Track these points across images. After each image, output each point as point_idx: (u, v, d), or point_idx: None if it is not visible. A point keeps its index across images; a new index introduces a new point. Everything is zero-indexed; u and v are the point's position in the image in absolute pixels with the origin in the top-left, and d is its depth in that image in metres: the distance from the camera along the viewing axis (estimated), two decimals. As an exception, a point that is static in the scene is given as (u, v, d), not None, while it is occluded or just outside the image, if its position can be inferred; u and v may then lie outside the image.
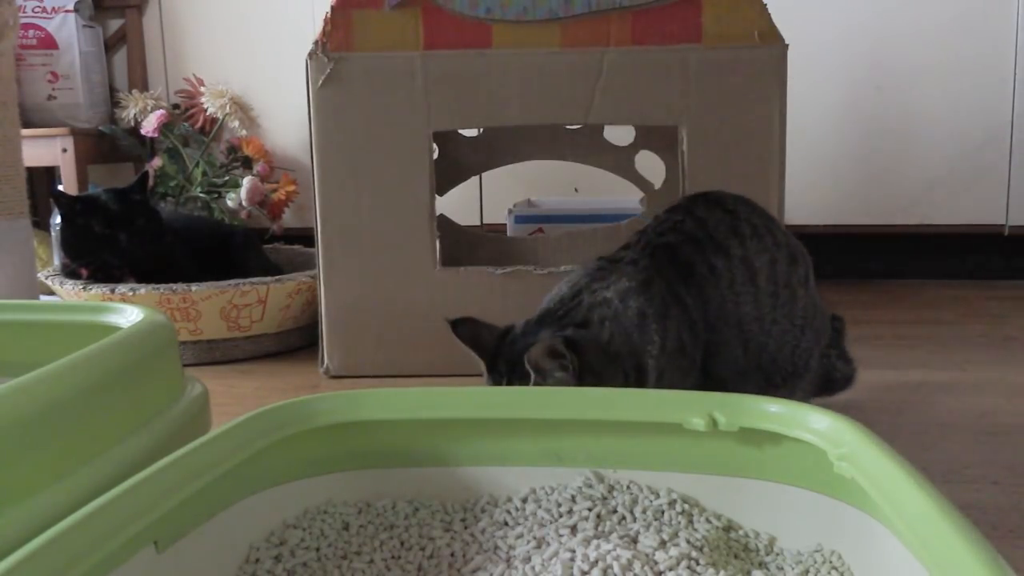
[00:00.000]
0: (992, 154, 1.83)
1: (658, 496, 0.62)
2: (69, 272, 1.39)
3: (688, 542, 0.56)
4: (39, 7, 2.11)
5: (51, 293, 1.44)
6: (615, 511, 0.60)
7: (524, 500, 0.63)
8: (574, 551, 0.55)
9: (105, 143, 2.13)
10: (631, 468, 0.63)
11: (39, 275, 1.42)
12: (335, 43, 1.18)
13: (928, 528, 0.42)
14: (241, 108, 2.09)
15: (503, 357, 0.77)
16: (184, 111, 2.17)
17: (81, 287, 1.33)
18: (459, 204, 1.74)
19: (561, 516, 0.60)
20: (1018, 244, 1.90)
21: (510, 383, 0.75)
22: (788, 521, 0.59)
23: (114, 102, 2.22)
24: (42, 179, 2.26)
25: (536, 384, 0.72)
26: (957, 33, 1.81)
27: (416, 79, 1.18)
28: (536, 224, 1.59)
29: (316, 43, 1.18)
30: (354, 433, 0.63)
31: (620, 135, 1.46)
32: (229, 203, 2.01)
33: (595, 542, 0.55)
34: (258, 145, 2.08)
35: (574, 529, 0.59)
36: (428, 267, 1.22)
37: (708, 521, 0.60)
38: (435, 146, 1.23)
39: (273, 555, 0.57)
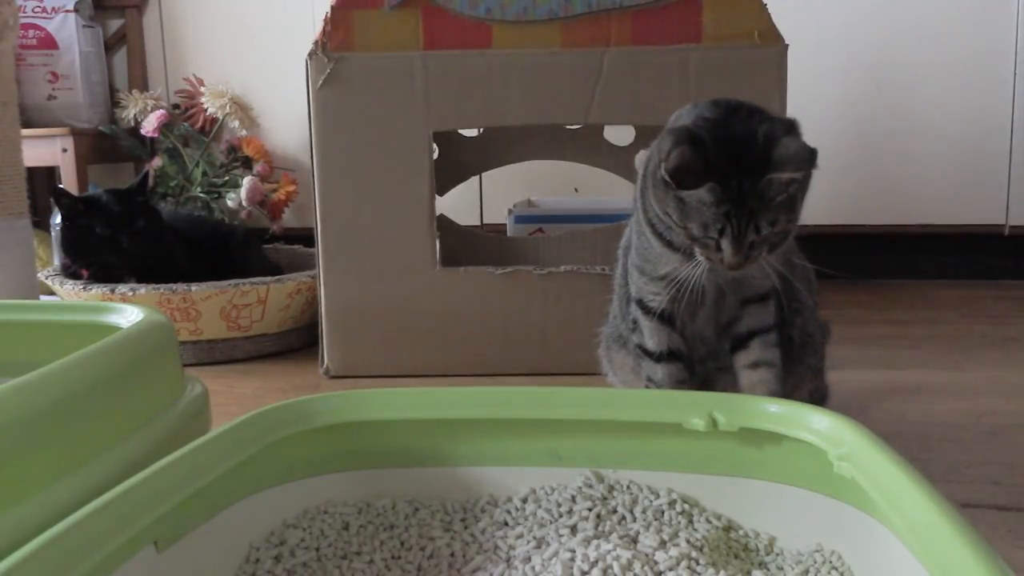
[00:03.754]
0: (992, 154, 1.83)
1: (658, 496, 0.62)
2: (70, 272, 1.39)
3: (688, 542, 0.56)
4: (39, 7, 2.11)
5: (51, 293, 1.44)
6: (615, 511, 0.60)
7: (524, 500, 0.63)
8: (574, 551, 0.55)
9: (105, 143, 2.13)
10: (631, 468, 0.63)
11: (39, 275, 1.42)
12: (335, 43, 1.18)
13: (928, 528, 0.42)
14: (241, 108, 2.09)
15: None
16: (184, 111, 2.17)
17: (81, 287, 1.33)
18: (459, 204, 1.75)
19: (561, 516, 0.60)
20: (1018, 244, 1.90)
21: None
22: (788, 521, 0.59)
23: (114, 102, 2.22)
24: (42, 179, 2.26)
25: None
26: (957, 33, 1.81)
27: (416, 79, 1.18)
28: (536, 224, 1.59)
29: (316, 43, 1.18)
30: (354, 433, 0.63)
31: (620, 135, 1.46)
32: (229, 203, 2.01)
33: (595, 542, 0.55)
34: (258, 145, 2.08)
35: (574, 529, 0.59)
36: (428, 267, 1.22)
37: (708, 521, 0.60)
38: (435, 146, 1.23)
39: (273, 555, 0.57)
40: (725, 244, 0.68)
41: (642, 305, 0.80)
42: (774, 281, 0.76)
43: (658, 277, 0.76)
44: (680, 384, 0.80)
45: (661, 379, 0.80)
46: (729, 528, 0.60)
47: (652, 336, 0.80)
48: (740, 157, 0.67)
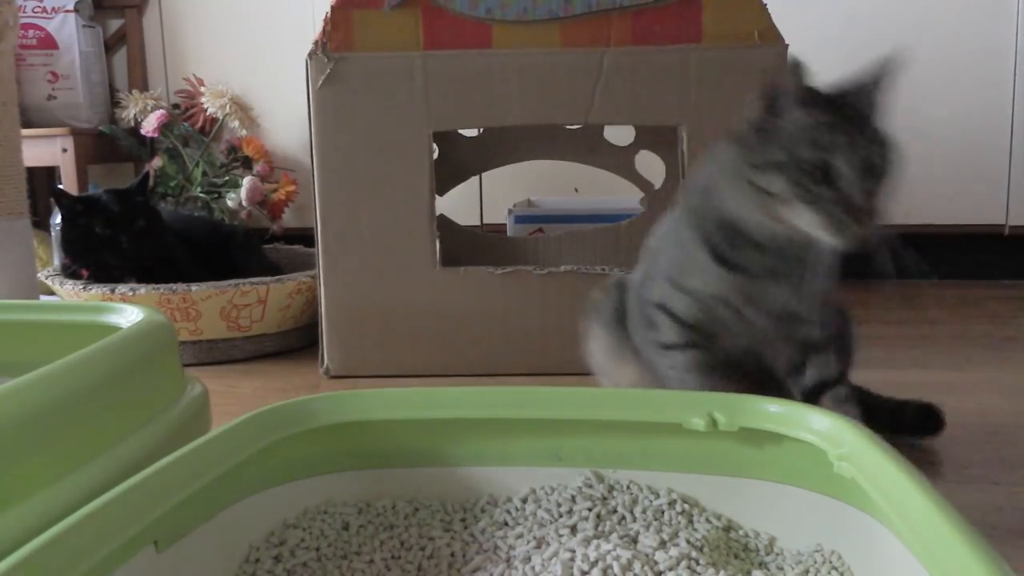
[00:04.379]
0: (992, 154, 1.83)
1: (658, 496, 0.62)
2: (69, 272, 1.39)
3: (688, 542, 0.56)
4: (39, 7, 2.11)
5: (51, 293, 1.44)
6: (615, 511, 0.60)
7: (524, 500, 0.63)
8: (574, 551, 0.55)
9: (105, 143, 2.13)
10: (631, 468, 0.63)
11: (39, 275, 1.42)
12: (335, 43, 1.18)
13: (928, 528, 0.42)
14: (241, 108, 2.09)
15: None
16: (184, 111, 2.17)
17: (81, 287, 1.33)
18: (459, 204, 1.75)
19: (561, 516, 0.60)
20: (1018, 244, 1.90)
21: None
22: (788, 521, 0.59)
23: (114, 102, 2.22)
24: (42, 179, 2.26)
25: None
26: (957, 33, 1.81)
27: (416, 79, 1.18)
28: (536, 224, 1.59)
29: (316, 43, 1.18)
30: (354, 433, 0.63)
31: (620, 135, 1.46)
32: (229, 203, 2.01)
33: (595, 542, 0.55)
34: (258, 145, 2.08)
35: (574, 529, 0.59)
36: (428, 267, 1.22)
37: (708, 521, 0.60)
38: (435, 146, 1.23)
39: (273, 555, 0.57)
40: (846, 172, 0.60)
41: (666, 310, 0.74)
42: (827, 325, 0.69)
43: (706, 295, 0.70)
44: (709, 370, 0.73)
45: (684, 366, 0.74)
46: (729, 528, 0.60)
47: (672, 329, 0.74)
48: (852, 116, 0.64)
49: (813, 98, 0.63)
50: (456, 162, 1.46)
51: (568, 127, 1.44)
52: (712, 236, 0.69)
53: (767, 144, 0.63)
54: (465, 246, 1.42)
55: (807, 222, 0.63)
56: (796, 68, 0.63)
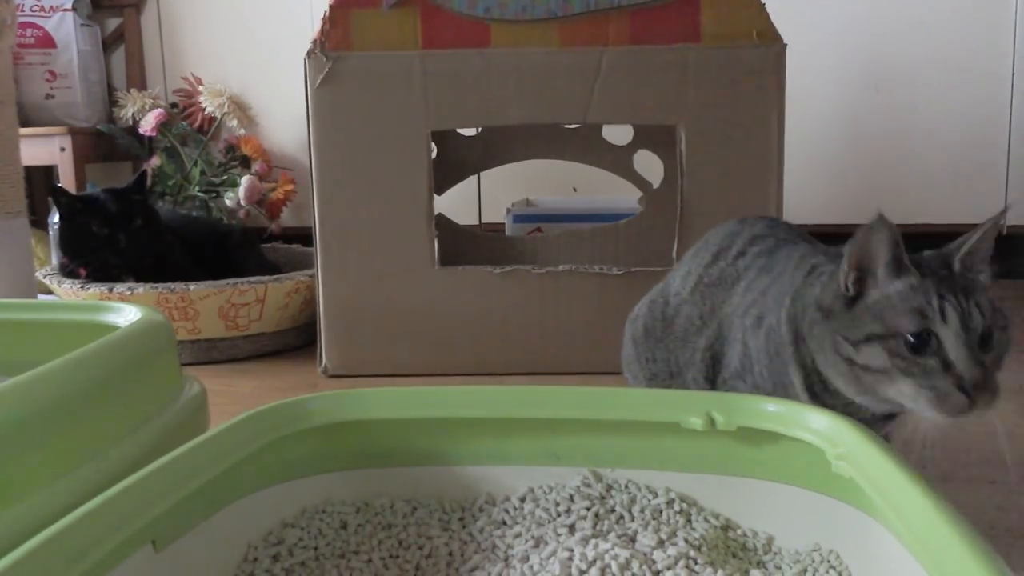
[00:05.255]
0: (991, 154, 1.83)
1: (656, 495, 0.62)
2: (67, 271, 1.39)
3: (686, 541, 0.56)
4: (37, 6, 2.11)
5: (49, 292, 1.44)
6: (613, 510, 0.60)
7: (522, 499, 0.63)
8: (572, 550, 0.55)
9: (103, 142, 2.12)
10: (629, 467, 0.63)
11: (37, 274, 1.41)
12: (333, 42, 1.18)
13: (926, 527, 0.42)
14: (239, 107, 2.09)
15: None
16: (182, 110, 2.16)
17: (79, 286, 1.33)
18: (457, 203, 1.74)
19: (559, 515, 0.60)
20: (1016, 244, 1.90)
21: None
22: (786, 520, 0.59)
23: (112, 101, 2.21)
24: (40, 178, 2.26)
25: None
26: (955, 33, 1.81)
27: (414, 78, 1.18)
28: (534, 223, 1.59)
29: (314, 42, 1.18)
30: (352, 432, 0.63)
31: (618, 134, 1.46)
32: (227, 202, 2.01)
33: (593, 541, 0.55)
34: (256, 144, 2.08)
35: (572, 528, 0.59)
36: (426, 266, 1.22)
37: (706, 520, 0.60)
38: (433, 145, 1.23)
39: (271, 554, 0.57)
40: (952, 342, 0.55)
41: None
42: None
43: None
44: None
45: None
46: (727, 527, 0.60)
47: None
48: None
49: (908, 263, 0.59)
50: (454, 161, 1.46)
51: (566, 126, 1.44)
52: (809, 375, 0.64)
53: (862, 316, 0.59)
54: (463, 245, 1.42)
55: (912, 398, 0.57)
56: (888, 232, 0.59)
